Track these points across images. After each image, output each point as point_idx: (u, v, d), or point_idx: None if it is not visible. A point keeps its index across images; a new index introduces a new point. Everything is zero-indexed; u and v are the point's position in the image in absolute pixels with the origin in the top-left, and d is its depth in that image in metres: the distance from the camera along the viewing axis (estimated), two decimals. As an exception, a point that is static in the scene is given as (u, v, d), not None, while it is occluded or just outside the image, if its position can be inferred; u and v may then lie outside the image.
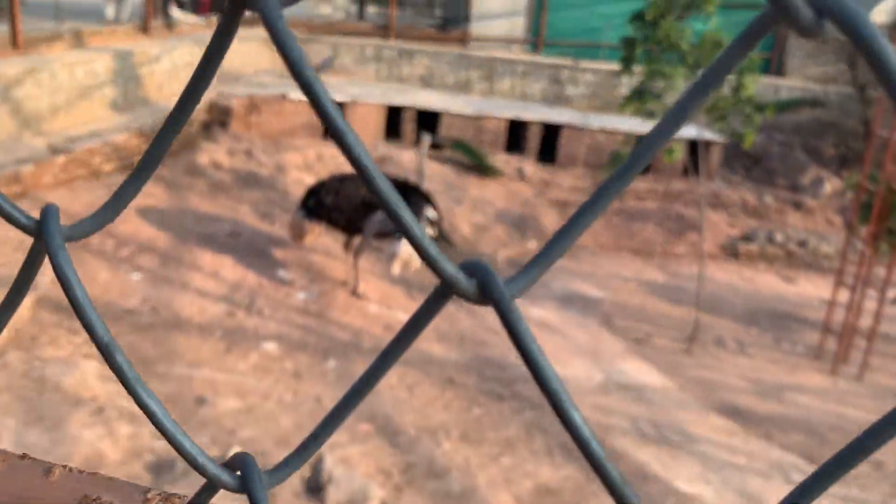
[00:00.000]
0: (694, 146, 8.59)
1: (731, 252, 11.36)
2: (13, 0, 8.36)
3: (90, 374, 4.84)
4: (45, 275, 5.81)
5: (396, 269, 7.34)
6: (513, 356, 7.06)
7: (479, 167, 11.49)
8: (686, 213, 11.65)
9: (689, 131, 9.37)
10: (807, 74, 14.75)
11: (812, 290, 10.28)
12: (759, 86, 12.25)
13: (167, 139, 0.43)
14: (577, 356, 7.41)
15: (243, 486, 0.44)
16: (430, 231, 7.31)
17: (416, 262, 7.40)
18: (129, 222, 7.33)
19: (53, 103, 8.24)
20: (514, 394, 6.20)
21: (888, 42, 0.28)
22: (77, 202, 7.27)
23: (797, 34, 0.29)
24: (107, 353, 0.46)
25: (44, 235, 0.45)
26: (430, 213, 7.31)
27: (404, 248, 7.17)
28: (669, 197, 11.82)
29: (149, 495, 0.55)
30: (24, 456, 0.58)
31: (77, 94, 8.58)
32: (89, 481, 0.59)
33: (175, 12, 11.59)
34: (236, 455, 0.45)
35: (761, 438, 6.50)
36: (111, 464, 3.91)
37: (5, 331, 4.11)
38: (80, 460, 3.85)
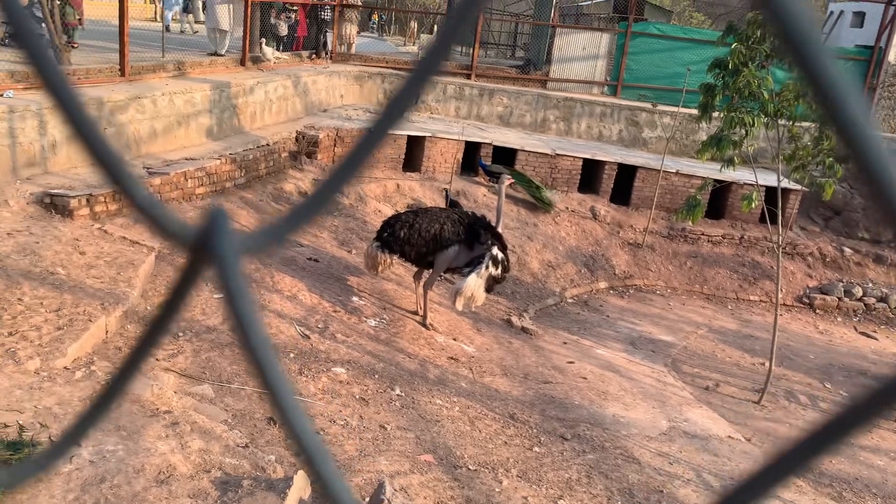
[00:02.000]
0: (772, 193, 8.48)
1: (806, 303, 11.06)
2: (122, 31, 8.99)
3: (168, 388, 5.06)
4: (135, 287, 6.18)
5: (460, 305, 7.47)
6: (576, 397, 7.07)
7: (535, 198, 11.57)
8: (761, 261, 11.42)
9: (767, 178, 9.24)
10: (895, 126, 14.31)
11: (892, 346, 9.89)
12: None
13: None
14: (642, 400, 7.35)
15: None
16: (495, 271, 7.38)
17: (480, 298, 7.50)
18: (215, 244, 7.72)
19: (153, 128, 8.79)
20: (577, 435, 6.20)
21: None
22: (169, 223, 7.69)
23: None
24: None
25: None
26: (495, 251, 7.39)
27: (469, 285, 7.28)
28: (745, 244, 11.62)
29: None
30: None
31: (175, 120, 9.13)
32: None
33: (265, 49, 12.14)
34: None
35: (833, 499, 6.29)
36: (180, 477, 4.05)
37: (92, 340, 4.36)
38: (153, 471, 3.99)
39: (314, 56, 14.27)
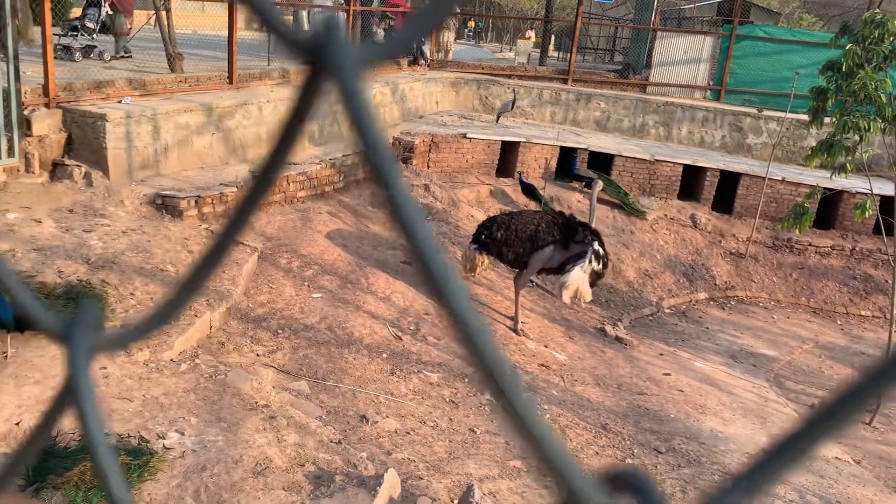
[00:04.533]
0: (888, 203, 8.00)
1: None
2: (231, 40, 9.39)
3: (267, 383, 5.25)
4: (238, 286, 6.43)
5: (567, 297, 7.50)
6: (672, 410, 6.88)
7: (624, 205, 11.31)
8: (875, 274, 10.79)
9: (883, 187, 8.73)
10: None
11: None
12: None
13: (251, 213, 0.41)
14: (741, 416, 7.07)
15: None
16: (597, 266, 7.42)
17: (587, 293, 7.49)
18: (316, 244, 7.94)
19: (258, 133, 9.14)
20: (671, 448, 6.03)
21: None
22: (271, 225, 7.98)
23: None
24: (92, 452, 0.43)
25: (70, 346, 0.43)
26: (596, 245, 7.43)
27: (575, 278, 7.29)
28: (856, 255, 11.00)
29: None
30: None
31: (279, 126, 9.45)
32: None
33: None
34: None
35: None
36: (276, 469, 4.18)
37: (197, 334, 4.58)
38: (250, 462, 4.14)
39: (413, 63, 14.48)
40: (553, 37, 23.78)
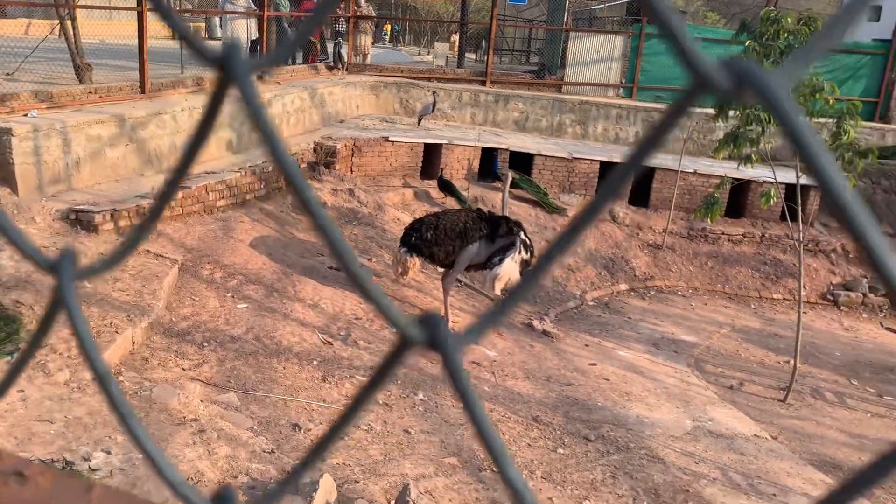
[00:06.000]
0: (793, 191, 8.44)
1: (831, 300, 10.97)
2: (142, 49, 9.15)
3: (194, 397, 5.16)
4: (159, 299, 6.28)
5: (499, 288, 7.66)
6: (599, 398, 7.07)
7: (543, 203, 11.60)
8: (784, 258, 11.34)
9: (786, 175, 9.19)
10: (915, 120, 14.18)
11: (920, 342, 9.78)
12: (864, 131, 11.88)
13: (170, 196, 0.51)
14: (665, 401, 7.33)
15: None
16: (526, 255, 7.63)
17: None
18: (240, 254, 7.82)
19: (173, 143, 8.93)
20: (600, 436, 6.20)
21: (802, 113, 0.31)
22: (191, 236, 7.81)
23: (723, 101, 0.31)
24: (103, 383, 0.54)
25: (58, 275, 0.54)
26: (523, 235, 7.69)
27: (506, 269, 7.46)
28: (766, 242, 11.55)
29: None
30: (70, 473, 0.60)
31: (196, 125, 9.26)
32: (126, 500, 0.64)
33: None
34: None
35: (864, 497, 6.21)
36: (208, 482, 4.13)
37: (119, 351, 4.44)
38: (181, 477, 4.07)
39: (331, 68, 14.41)
40: (479, 39, 23.99)
